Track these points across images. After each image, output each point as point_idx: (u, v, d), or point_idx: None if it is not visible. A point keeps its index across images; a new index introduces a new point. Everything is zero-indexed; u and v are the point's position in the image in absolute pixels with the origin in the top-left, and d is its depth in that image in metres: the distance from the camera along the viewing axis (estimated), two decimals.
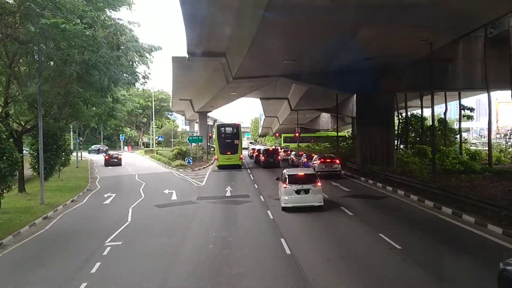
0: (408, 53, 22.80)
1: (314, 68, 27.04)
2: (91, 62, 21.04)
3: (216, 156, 36.36)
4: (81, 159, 46.12)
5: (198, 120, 60.01)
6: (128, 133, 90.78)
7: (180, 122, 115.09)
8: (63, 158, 29.39)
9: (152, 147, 71.94)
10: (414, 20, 16.86)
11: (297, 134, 60.90)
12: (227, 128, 37.84)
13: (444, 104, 35.38)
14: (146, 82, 28.79)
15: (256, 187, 24.14)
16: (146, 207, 18.82)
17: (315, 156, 29.43)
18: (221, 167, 35.54)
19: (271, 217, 15.57)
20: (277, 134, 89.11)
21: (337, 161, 26.93)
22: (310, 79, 29.17)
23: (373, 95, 28.31)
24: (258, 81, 31.71)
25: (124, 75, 24.81)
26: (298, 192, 15.86)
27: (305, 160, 31.71)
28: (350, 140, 42.38)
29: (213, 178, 29.72)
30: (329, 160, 26.90)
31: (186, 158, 35.89)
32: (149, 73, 31.92)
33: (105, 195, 22.66)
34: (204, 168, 37.46)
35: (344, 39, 19.61)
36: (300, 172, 17.30)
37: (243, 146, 41.22)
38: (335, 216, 15.43)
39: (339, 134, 43.88)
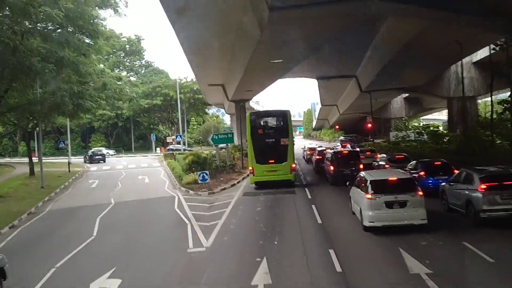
0: None
1: None
2: None
3: (250, 167, 21.28)
4: (69, 171, 32.90)
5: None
6: (163, 131, 78.67)
7: (227, 118, 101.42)
8: None
9: (183, 148, 58.44)
10: None
11: (369, 125, 43.92)
12: (268, 119, 22.51)
13: None
14: None
15: (339, 268, 9.02)
16: None
17: (462, 170, 12.97)
18: (259, 185, 20.73)
19: None
20: (337, 127, 72.47)
21: None
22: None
23: None
24: (317, 21, 16.29)
25: None
26: (389, 205, 10.69)
27: (422, 174, 15.73)
28: (484, 131, 25.02)
29: (239, 218, 14.83)
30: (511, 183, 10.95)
31: (199, 173, 21.09)
32: None
33: None
34: (232, 186, 22.57)
35: None
36: (391, 175, 11.80)
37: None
38: None
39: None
